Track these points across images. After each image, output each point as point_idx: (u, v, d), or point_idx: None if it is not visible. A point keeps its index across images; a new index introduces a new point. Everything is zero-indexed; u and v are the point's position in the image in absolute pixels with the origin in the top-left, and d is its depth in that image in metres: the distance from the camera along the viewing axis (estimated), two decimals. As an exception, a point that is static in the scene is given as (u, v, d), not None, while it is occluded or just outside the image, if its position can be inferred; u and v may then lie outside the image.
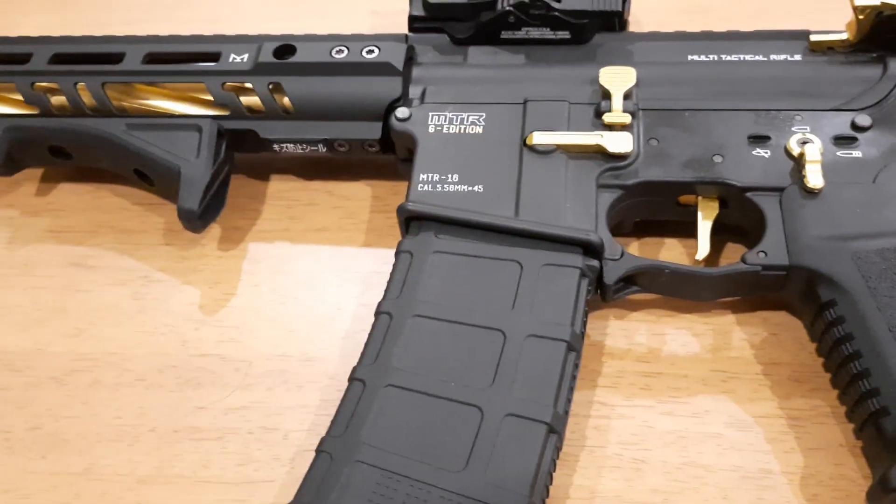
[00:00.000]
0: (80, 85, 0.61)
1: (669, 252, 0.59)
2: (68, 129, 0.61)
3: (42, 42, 0.64)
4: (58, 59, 0.63)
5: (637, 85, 0.57)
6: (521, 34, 0.61)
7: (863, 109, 0.56)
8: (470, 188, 0.54)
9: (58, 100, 0.62)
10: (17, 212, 0.66)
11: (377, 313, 0.51)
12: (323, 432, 0.51)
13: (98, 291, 0.60)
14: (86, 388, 0.55)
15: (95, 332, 0.58)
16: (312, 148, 0.61)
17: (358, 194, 0.65)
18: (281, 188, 0.65)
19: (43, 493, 0.51)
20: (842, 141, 0.54)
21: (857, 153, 0.54)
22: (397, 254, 0.53)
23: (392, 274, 0.52)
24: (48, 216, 0.65)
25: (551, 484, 0.45)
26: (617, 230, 0.55)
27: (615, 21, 0.62)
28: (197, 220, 0.58)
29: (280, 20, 0.80)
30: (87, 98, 0.61)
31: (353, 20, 0.78)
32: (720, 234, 0.56)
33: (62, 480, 0.52)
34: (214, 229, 0.62)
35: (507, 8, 0.60)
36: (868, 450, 0.48)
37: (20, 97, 0.62)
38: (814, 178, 0.52)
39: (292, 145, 0.61)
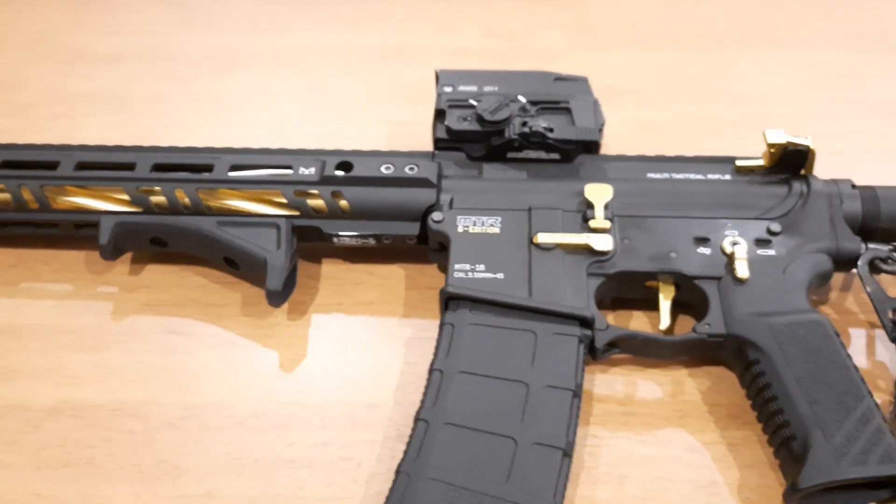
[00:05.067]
0: (178, 189, 0.77)
1: (637, 321, 0.76)
2: (168, 225, 0.76)
3: (142, 151, 0.80)
4: (157, 167, 0.78)
5: (613, 198, 0.76)
6: (522, 155, 0.79)
7: (775, 219, 0.74)
8: (494, 275, 0.71)
9: (157, 199, 0.76)
10: (116, 288, 0.79)
11: (431, 370, 0.67)
12: (387, 460, 0.67)
13: (193, 354, 0.74)
14: (196, 430, 0.69)
15: (196, 387, 0.72)
16: (364, 241, 0.78)
17: (394, 275, 0.80)
18: (331, 270, 0.81)
19: (174, 511, 0.66)
20: (761, 242, 0.72)
21: (771, 252, 0.72)
22: (441, 325, 0.69)
23: (439, 341, 0.68)
24: (143, 292, 0.79)
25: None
26: (598, 305, 0.72)
27: (593, 146, 0.80)
28: (279, 298, 0.74)
29: (311, 126, 0.97)
30: (182, 200, 0.76)
31: (371, 128, 0.95)
32: (676, 308, 0.74)
33: (189, 501, 0.65)
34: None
35: (513, 136, 0.77)
36: (783, 465, 0.65)
37: (127, 198, 0.77)
38: (742, 270, 0.71)
39: (348, 238, 0.77)
